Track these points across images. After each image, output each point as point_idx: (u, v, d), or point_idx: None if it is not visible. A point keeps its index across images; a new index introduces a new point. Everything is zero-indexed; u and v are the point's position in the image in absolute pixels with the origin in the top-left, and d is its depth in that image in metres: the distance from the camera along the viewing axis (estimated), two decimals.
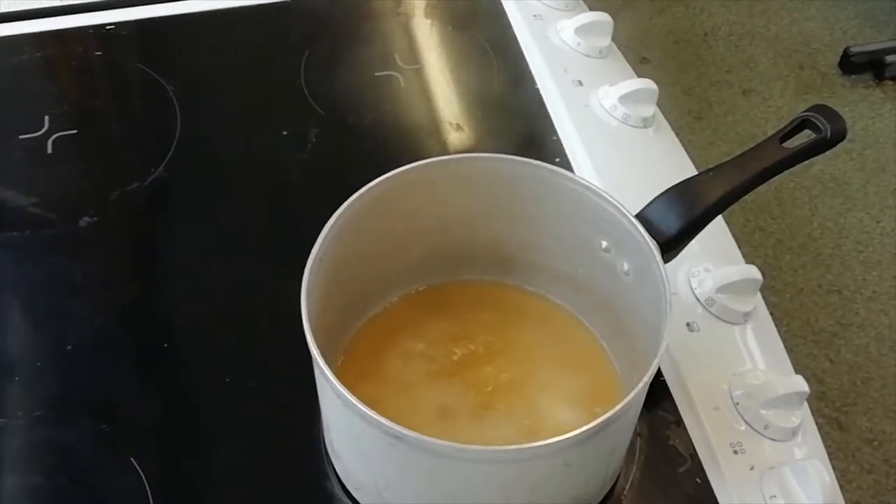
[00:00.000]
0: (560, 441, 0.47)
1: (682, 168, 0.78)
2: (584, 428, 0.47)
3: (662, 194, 0.59)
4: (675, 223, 0.58)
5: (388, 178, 0.58)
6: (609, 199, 0.57)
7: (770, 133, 0.61)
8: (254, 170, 0.78)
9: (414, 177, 0.59)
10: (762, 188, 0.62)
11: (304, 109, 0.81)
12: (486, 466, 0.50)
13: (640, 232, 0.55)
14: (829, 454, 0.62)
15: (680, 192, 0.59)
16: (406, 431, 0.46)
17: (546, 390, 0.61)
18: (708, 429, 0.61)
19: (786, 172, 0.61)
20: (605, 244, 0.60)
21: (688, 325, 0.67)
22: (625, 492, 0.59)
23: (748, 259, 0.70)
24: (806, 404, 0.63)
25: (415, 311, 0.65)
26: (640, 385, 0.49)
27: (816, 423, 0.63)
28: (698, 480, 0.59)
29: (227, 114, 0.82)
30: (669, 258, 0.58)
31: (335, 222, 0.55)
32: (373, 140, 0.80)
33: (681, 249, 0.59)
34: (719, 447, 0.61)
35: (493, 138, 0.82)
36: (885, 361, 1.55)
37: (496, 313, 0.65)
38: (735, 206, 0.61)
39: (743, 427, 0.61)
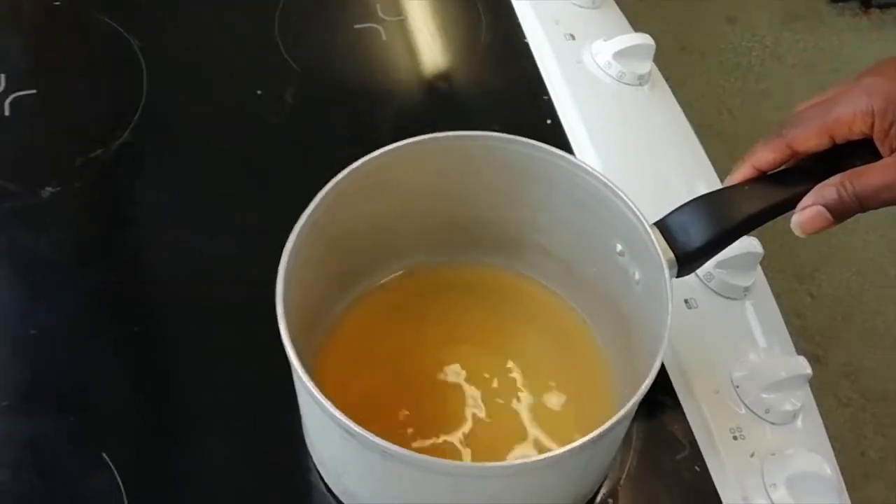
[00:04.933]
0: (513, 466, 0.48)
1: (678, 128, 0.76)
2: (528, 461, 0.47)
3: (689, 203, 0.55)
4: (699, 237, 0.53)
5: (392, 149, 0.55)
6: (627, 202, 0.53)
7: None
8: (227, 134, 0.74)
9: (421, 148, 0.56)
10: None
11: (280, 66, 0.78)
12: (428, 475, 0.48)
13: (654, 243, 0.52)
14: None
15: (709, 204, 0.55)
16: (347, 421, 0.44)
17: (535, 387, 0.60)
18: (707, 413, 0.60)
19: None
20: (619, 248, 0.56)
21: (686, 301, 0.65)
22: (621, 481, 0.58)
23: None
24: (808, 386, 0.61)
25: (409, 292, 0.63)
26: (595, 433, 0.46)
27: None
28: (697, 468, 0.59)
29: (198, 72, 0.78)
30: (686, 272, 0.55)
31: (323, 199, 0.52)
32: (353, 99, 0.77)
33: (700, 265, 0.55)
34: (719, 433, 0.60)
35: (481, 96, 0.79)
36: (865, 296, 1.58)
37: (493, 299, 0.63)
38: None
39: (743, 411, 0.60)
